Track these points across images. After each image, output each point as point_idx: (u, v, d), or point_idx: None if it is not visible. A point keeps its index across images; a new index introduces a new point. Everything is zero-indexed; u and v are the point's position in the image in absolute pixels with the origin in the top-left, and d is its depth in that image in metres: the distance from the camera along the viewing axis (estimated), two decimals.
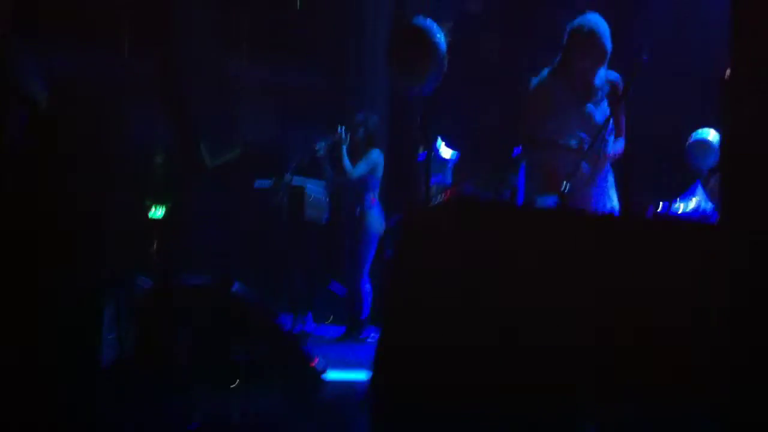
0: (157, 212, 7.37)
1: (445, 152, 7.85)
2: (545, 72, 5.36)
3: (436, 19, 5.70)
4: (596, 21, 5.24)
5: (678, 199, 6.07)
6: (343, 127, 7.79)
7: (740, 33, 3.04)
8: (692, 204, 6.00)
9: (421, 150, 7.22)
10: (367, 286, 7.82)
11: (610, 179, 5.41)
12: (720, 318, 3.05)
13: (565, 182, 4.77)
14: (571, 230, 4.14)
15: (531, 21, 8.23)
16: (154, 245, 7.12)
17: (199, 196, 8.37)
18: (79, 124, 4.51)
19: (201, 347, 5.09)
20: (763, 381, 2.91)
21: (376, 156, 7.85)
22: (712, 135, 6.43)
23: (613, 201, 5.37)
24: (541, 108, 5.27)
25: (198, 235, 8.05)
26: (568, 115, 5.27)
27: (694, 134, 6.58)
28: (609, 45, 5.22)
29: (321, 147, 7.83)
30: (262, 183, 8.44)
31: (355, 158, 7.78)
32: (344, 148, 7.71)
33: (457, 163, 7.90)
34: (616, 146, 5.32)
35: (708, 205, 5.95)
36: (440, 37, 5.51)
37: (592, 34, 5.20)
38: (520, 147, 5.57)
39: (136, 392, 4.74)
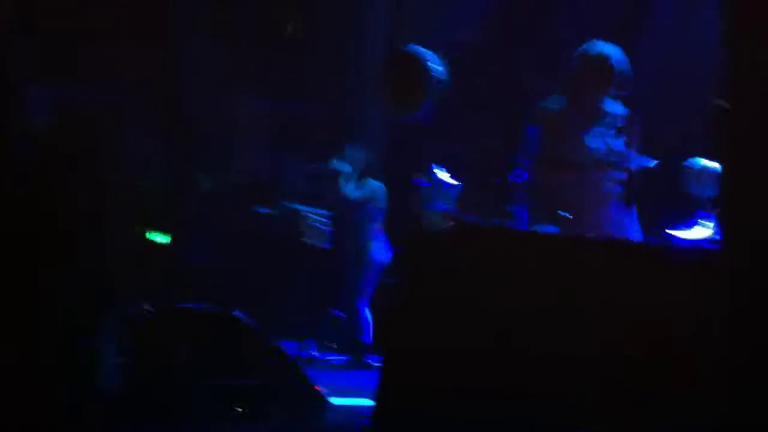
0: (158, 237, 7.38)
1: (446, 179, 7.84)
2: (555, 96, 5.43)
3: (433, 46, 5.71)
4: (604, 45, 5.34)
5: (689, 226, 6.06)
6: (356, 147, 7.85)
7: (738, 33, 3.06)
8: (702, 233, 5.99)
9: (419, 177, 7.22)
10: (368, 314, 7.83)
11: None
12: (719, 330, 3.06)
13: (564, 211, 4.81)
14: (571, 253, 4.19)
15: (530, 46, 8.26)
16: (154, 270, 7.11)
17: (199, 220, 8.37)
18: (78, 134, 4.53)
19: (202, 373, 5.08)
20: (761, 385, 2.92)
21: (376, 186, 7.88)
22: (709, 162, 6.43)
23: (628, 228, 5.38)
24: (552, 132, 5.32)
25: (198, 260, 8.04)
26: (579, 138, 5.32)
27: (690, 161, 6.59)
28: (618, 67, 5.31)
29: (334, 166, 7.86)
30: (263, 208, 8.45)
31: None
32: (350, 168, 7.77)
33: (461, 190, 7.90)
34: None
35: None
36: (436, 65, 5.53)
37: (601, 57, 5.30)
38: (524, 173, 5.59)
39: (136, 417, 4.73)
